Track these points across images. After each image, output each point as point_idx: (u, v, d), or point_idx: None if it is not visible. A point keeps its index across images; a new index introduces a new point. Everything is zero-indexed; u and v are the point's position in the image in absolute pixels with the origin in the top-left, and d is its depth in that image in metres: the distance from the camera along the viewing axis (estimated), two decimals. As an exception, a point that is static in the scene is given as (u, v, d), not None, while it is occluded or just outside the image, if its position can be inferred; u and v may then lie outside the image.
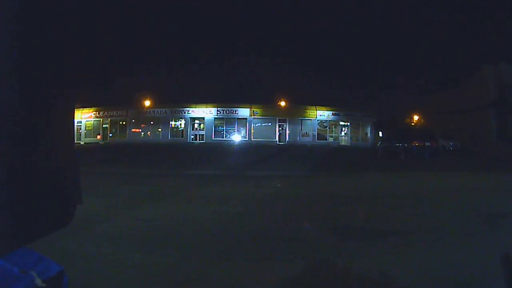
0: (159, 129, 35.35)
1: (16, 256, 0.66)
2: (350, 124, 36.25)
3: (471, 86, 29.53)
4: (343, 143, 35.49)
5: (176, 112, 34.94)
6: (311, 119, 34.97)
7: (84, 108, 35.46)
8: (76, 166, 0.63)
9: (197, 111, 34.48)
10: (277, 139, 34.28)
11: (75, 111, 0.65)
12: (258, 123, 34.60)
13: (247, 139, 33.66)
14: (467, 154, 23.91)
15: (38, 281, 0.64)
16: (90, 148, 26.60)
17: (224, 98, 34.20)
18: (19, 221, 0.49)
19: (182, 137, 34.65)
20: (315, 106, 34.87)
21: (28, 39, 0.48)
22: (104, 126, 36.37)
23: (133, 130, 35.85)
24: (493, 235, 4.76)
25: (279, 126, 34.66)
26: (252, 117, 34.12)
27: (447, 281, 3.33)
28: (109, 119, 36.30)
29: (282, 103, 34.73)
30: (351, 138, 36.13)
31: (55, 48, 0.54)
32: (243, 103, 34.00)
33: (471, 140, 27.15)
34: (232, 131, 34.37)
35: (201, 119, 34.62)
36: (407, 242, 4.53)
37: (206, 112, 34.30)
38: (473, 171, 13.81)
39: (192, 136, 34.63)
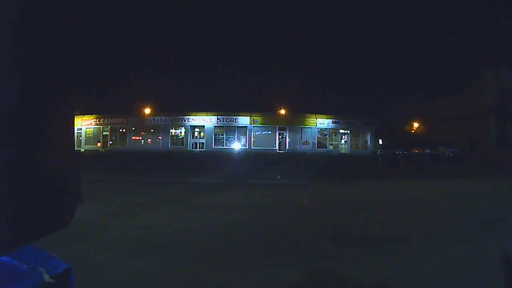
0: (159, 137, 35.39)
1: (25, 254, 0.69)
2: (350, 132, 36.29)
3: (471, 93, 29.69)
4: (343, 151, 35.51)
5: (176, 120, 35.03)
6: (311, 127, 35.03)
7: (84, 115, 35.56)
8: (76, 166, 0.65)
9: (197, 119, 34.57)
10: (277, 147, 34.30)
11: (75, 118, 0.67)
12: (258, 131, 34.65)
13: (247, 147, 33.68)
14: (467, 160, 23.93)
15: (46, 277, 0.67)
16: (90, 155, 26.61)
17: (224, 107, 34.39)
18: (20, 221, 0.49)
19: (182, 145, 34.68)
20: (315, 114, 34.97)
21: (30, 44, 0.49)
22: (104, 133, 36.42)
23: (133, 137, 35.89)
24: (492, 240, 4.77)
25: (279, 134, 34.70)
26: (252, 125, 34.20)
27: (446, 287, 3.33)
28: (109, 127, 36.37)
29: (282, 111, 34.84)
30: (351, 146, 36.15)
31: (57, 53, 0.55)
32: (243, 111, 34.11)
33: (471, 146, 27.21)
34: (232, 139, 34.40)
35: (201, 127, 34.69)
36: (406, 249, 4.53)
37: (206, 120, 34.38)
38: (473, 177, 13.83)
39: (192, 144, 34.66)
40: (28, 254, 0.70)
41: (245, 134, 34.30)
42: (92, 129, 36.75)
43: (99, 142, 36.19)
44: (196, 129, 34.99)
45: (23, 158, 0.49)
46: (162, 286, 3.40)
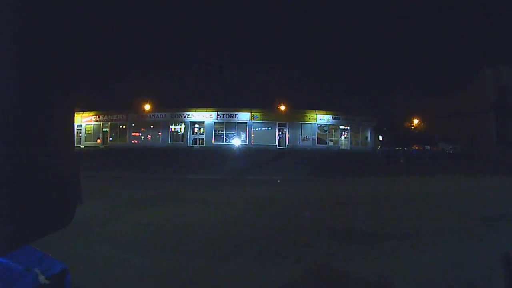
0: (159, 133, 35.34)
1: (20, 255, 0.68)
2: (350, 128, 36.20)
3: (471, 90, 29.58)
4: (343, 147, 35.45)
5: (176, 116, 34.96)
6: (311, 123, 34.94)
7: (84, 112, 35.46)
8: (76, 167, 0.63)
9: (197, 115, 34.49)
10: (277, 143, 34.23)
11: (75, 115, 0.65)
12: (258, 127, 34.57)
13: (247, 143, 33.62)
14: (467, 157, 23.92)
15: (42, 278, 0.66)
16: (90, 152, 26.59)
17: (224, 102, 34.26)
18: (20, 221, 0.49)
19: (182, 141, 34.62)
20: (315, 110, 34.85)
21: (29, 41, 0.49)
22: (104, 130, 36.37)
23: (133, 134, 35.84)
24: (493, 237, 4.77)
25: (279, 130, 34.62)
26: (252, 121, 34.11)
27: (447, 284, 3.33)
28: (109, 123, 36.30)
29: (282, 107, 34.75)
30: (351, 142, 36.08)
31: (56, 51, 0.55)
32: (243, 107, 34.01)
33: (471, 143, 27.18)
34: (232, 135, 34.35)
35: (201, 123, 34.60)
36: (407, 245, 4.53)
37: (206, 116, 34.31)
38: (473, 174, 13.81)
39: (192, 140, 34.62)
40: (24, 254, 0.69)
41: (245, 130, 34.24)
42: (92, 126, 36.67)
43: (99, 138, 36.14)
44: (196, 125, 34.90)
45: (22, 158, 0.49)
46: (161, 282, 3.40)
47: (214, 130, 34.41)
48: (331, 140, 35.66)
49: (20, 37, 0.47)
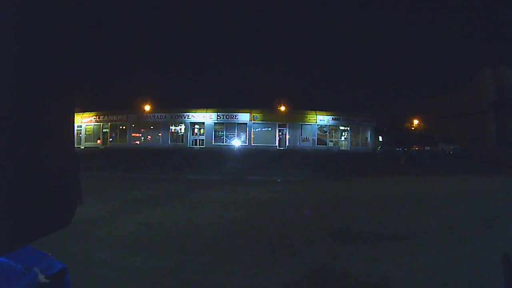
0: (159, 134, 35.35)
1: (20, 254, 0.68)
2: (350, 128, 36.20)
3: (471, 90, 29.62)
4: (343, 148, 35.45)
5: (176, 117, 34.97)
6: (311, 124, 34.94)
7: (84, 113, 35.50)
8: (76, 166, 0.63)
9: (197, 116, 34.49)
10: (277, 144, 34.24)
11: (75, 115, 0.65)
12: (258, 128, 34.57)
13: (247, 144, 33.63)
14: (467, 158, 23.92)
15: (41, 277, 0.66)
16: (90, 152, 26.59)
17: (224, 103, 34.29)
18: (20, 221, 0.49)
19: (182, 142, 34.63)
20: (315, 111, 34.86)
21: (29, 41, 0.49)
22: (104, 130, 36.38)
23: (133, 134, 35.84)
24: (492, 238, 4.77)
25: (279, 131, 34.63)
26: (252, 122, 34.12)
27: (446, 284, 3.33)
28: (109, 124, 36.31)
29: (282, 108, 34.75)
30: (351, 143, 36.08)
31: (56, 51, 0.55)
32: (243, 108, 34.02)
33: (471, 144, 27.18)
34: (232, 136, 34.34)
35: (201, 124, 34.61)
36: (406, 246, 4.53)
37: (206, 117, 34.32)
38: (473, 175, 13.82)
39: (192, 141, 34.62)
40: (23, 254, 0.69)
41: (245, 131, 34.23)
42: (92, 126, 36.70)
43: (99, 139, 36.15)
44: (196, 126, 34.91)
45: (22, 158, 0.49)
46: (162, 283, 3.40)
47: (214, 131, 34.42)
48: (331, 141, 35.67)
49: (20, 37, 0.47)
